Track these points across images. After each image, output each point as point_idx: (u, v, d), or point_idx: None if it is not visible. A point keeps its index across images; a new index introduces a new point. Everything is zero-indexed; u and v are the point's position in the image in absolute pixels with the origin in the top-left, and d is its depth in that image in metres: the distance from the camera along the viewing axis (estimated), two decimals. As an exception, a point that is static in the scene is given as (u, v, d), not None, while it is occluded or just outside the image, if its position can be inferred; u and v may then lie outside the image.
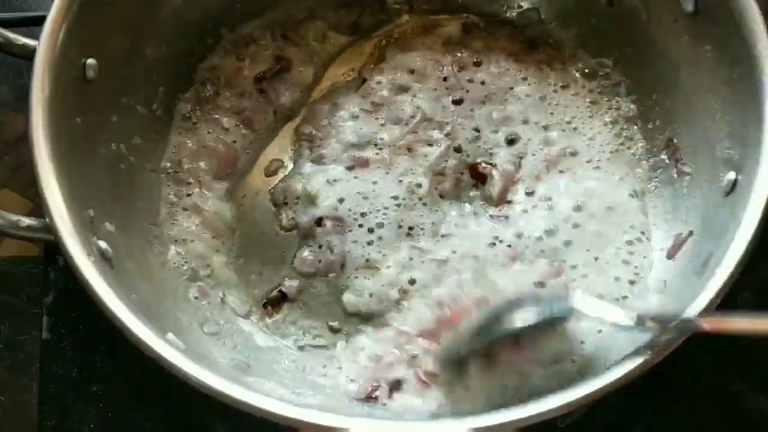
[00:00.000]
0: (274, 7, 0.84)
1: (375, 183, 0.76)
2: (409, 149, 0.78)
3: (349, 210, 0.75)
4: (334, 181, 0.76)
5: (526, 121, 0.79)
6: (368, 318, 0.72)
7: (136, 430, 0.72)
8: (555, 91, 0.81)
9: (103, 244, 0.65)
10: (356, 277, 0.73)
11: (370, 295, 0.72)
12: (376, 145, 0.78)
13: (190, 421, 0.72)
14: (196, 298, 0.72)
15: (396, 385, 0.67)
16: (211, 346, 0.69)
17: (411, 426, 0.63)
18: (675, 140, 0.75)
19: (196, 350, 0.65)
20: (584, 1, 0.81)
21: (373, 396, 0.67)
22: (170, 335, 0.62)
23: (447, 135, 0.79)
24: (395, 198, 0.75)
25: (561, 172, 0.77)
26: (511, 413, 0.56)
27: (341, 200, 0.75)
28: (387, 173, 0.77)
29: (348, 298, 0.72)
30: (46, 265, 0.77)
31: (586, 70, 0.82)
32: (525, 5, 0.85)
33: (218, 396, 0.57)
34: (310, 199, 0.76)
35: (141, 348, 0.58)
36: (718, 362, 0.73)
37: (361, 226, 0.75)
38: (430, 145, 0.78)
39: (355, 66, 0.83)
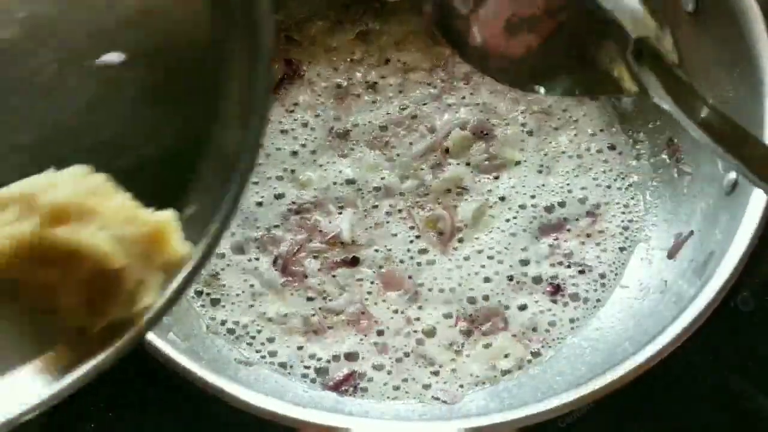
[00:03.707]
0: (275, 8, 0.84)
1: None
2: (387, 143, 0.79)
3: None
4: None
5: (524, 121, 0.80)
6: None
7: (137, 430, 0.72)
8: (555, 91, 0.81)
9: (103, 243, 0.65)
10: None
11: None
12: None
13: (191, 420, 0.72)
14: (196, 293, 0.72)
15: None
16: (212, 345, 0.69)
17: (414, 426, 0.63)
18: (675, 140, 0.75)
19: (196, 349, 0.65)
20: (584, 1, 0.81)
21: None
22: (171, 335, 0.63)
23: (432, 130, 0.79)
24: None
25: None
26: (511, 413, 0.57)
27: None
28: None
29: None
30: (47, 265, 0.77)
31: (587, 70, 0.82)
32: (525, 5, 0.85)
33: (219, 395, 0.57)
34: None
35: (141, 347, 0.58)
36: (718, 362, 0.73)
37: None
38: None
39: (356, 62, 0.83)
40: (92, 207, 0.42)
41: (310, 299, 0.72)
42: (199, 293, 0.72)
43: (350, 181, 0.77)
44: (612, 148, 0.78)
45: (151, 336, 0.58)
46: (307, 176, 0.77)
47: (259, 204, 0.76)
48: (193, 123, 0.47)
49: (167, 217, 0.43)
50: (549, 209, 0.76)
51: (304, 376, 0.69)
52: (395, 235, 0.75)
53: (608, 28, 0.55)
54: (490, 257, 0.74)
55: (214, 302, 0.72)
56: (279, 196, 0.76)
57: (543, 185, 0.77)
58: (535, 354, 0.70)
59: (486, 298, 0.72)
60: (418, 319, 0.71)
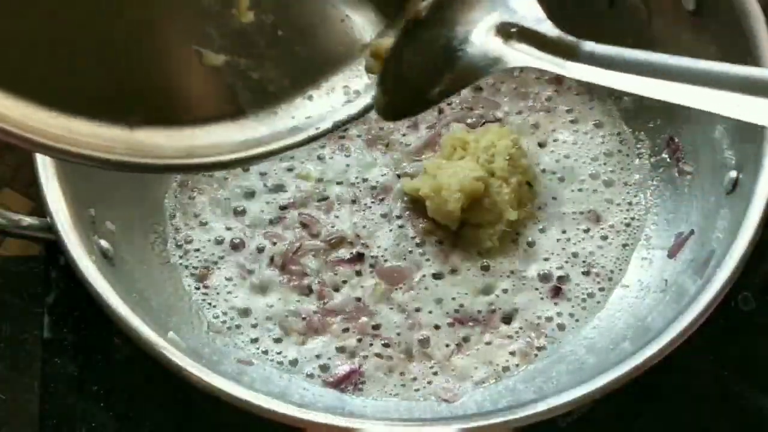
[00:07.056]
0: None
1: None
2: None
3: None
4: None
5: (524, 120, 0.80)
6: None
7: (138, 429, 0.72)
8: (556, 91, 0.81)
9: (104, 243, 0.65)
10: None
11: None
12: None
13: (192, 420, 0.72)
14: (197, 291, 0.72)
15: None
16: (213, 344, 0.69)
17: (414, 426, 0.63)
18: (676, 139, 0.75)
19: (197, 349, 0.65)
20: (585, 1, 0.81)
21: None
22: (171, 334, 0.63)
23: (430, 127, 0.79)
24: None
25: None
26: (511, 413, 0.57)
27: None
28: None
29: None
30: (47, 264, 0.77)
31: (587, 70, 0.82)
32: (526, 5, 0.85)
33: (220, 395, 0.57)
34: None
35: (142, 347, 0.58)
36: (718, 362, 0.73)
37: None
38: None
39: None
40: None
41: (310, 297, 0.72)
42: (197, 289, 0.72)
43: (349, 180, 0.77)
44: (612, 146, 0.78)
45: (151, 336, 0.58)
46: (306, 170, 0.77)
47: (259, 201, 0.76)
48: None
49: None
50: (549, 208, 0.76)
51: (305, 374, 0.69)
52: (395, 232, 0.75)
53: None
54: (491, 255, 0.74)
55: (215, 301, 0.72)
56: (278, 193, 0.76)
57: (543, 184, 0.77)
58: (536, 353, 0.70)
59: (486, 296, 0.72)
60: (418, 316, 0.71)
